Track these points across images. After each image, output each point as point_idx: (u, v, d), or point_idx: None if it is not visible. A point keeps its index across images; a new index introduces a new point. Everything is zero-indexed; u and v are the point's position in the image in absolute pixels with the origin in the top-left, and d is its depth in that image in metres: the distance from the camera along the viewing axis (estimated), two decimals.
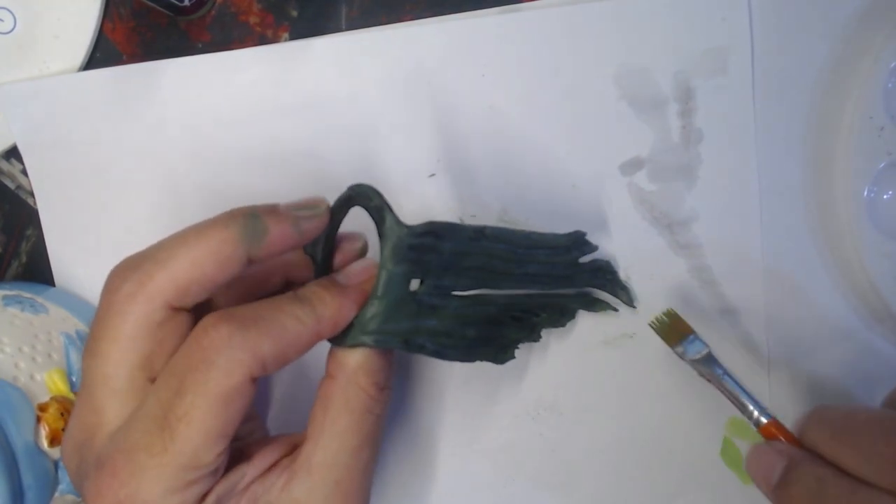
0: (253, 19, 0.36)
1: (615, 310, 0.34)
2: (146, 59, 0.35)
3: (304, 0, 0.35)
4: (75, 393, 0.32)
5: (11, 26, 0.35)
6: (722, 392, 0.30)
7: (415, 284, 0.27)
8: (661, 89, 0.33)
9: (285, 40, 0.35)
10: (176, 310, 0.24)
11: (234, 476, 0.25)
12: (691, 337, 0.31)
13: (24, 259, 0.38)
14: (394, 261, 0.26)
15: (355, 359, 0.26)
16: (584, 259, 0.33)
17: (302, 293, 0.26)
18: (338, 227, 0.28)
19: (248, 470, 0.26)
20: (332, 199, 0.28)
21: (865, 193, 0.32)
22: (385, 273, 0.26)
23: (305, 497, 0.25)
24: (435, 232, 0.27)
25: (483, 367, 0.32)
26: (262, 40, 0.36)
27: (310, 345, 0.25)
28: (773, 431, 0.28)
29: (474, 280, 0.29)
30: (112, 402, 0.24)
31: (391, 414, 0.36)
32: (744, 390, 0.29)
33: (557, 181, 0.34)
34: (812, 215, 0.34)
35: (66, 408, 0.31)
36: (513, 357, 0.31)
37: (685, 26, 0.33)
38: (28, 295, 0.34)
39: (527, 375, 0.34)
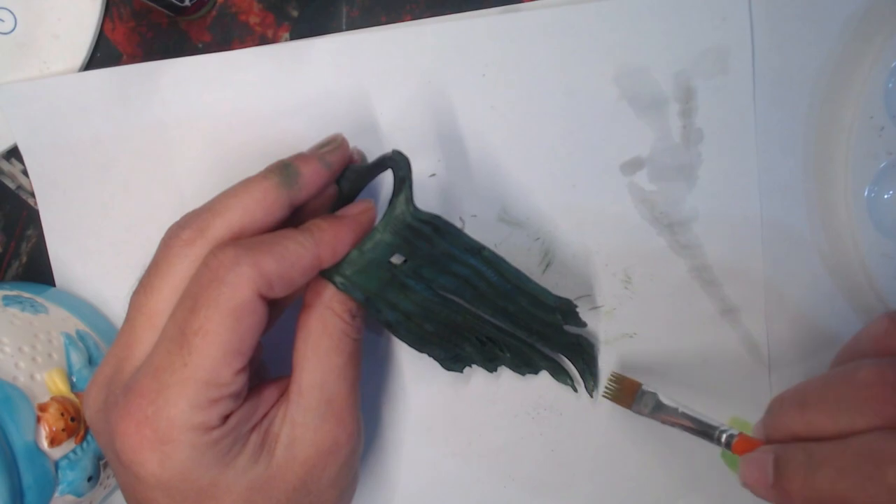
0: (253, 19, 0.36)
1: (575, 389, 0.34)
2: (146, 59, 0.35)
3: (304, 0, 0.35)
4: (76, 393, 0.32)
5: (11, 26, 0.35)
6: (686, 430, 0.30)
7: (399, 260, 0.29)
8: (661, 89, 0.33)
9: (285, 40, 0.35)
10: None
11: (251, 405, 0.27)
12: (641, 391, 0.31)
13: (24, 259, 0.38)
14: (387, 230, 0.28)
15: (331, 287, 0.28)
16: (571, 329, 0.33)
17: (303, 225, 0.28)
18: (369, 179, 0.30)
19: (261, 404, 0.27)
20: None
21: (865, 193, 0.32)
22: (377, 235, 0.28)
23: (302, 418, 0.27)
24: (437, 226, 0.29)
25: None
26: (263, 40, 0.36)
27: (312, 268, 0.27)
28: (746, 444, 0.28)
29: (453, 286, 0.30)
30: (149, 338, 0.26)
31: (391, 414, 0.36)
32: (700, 419, 0.29)
33: (557, 181, 0.34)
34: (812, 215, 0.34)
35: (66, 408, 0.31)
36: (460, 371, 0.32)
37: (685, 26, 0.33)
38: (28, 295, 0.34)
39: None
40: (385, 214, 0.28)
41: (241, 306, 0.25)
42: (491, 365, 0.32)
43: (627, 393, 0.31)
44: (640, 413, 0.31)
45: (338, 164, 0.29)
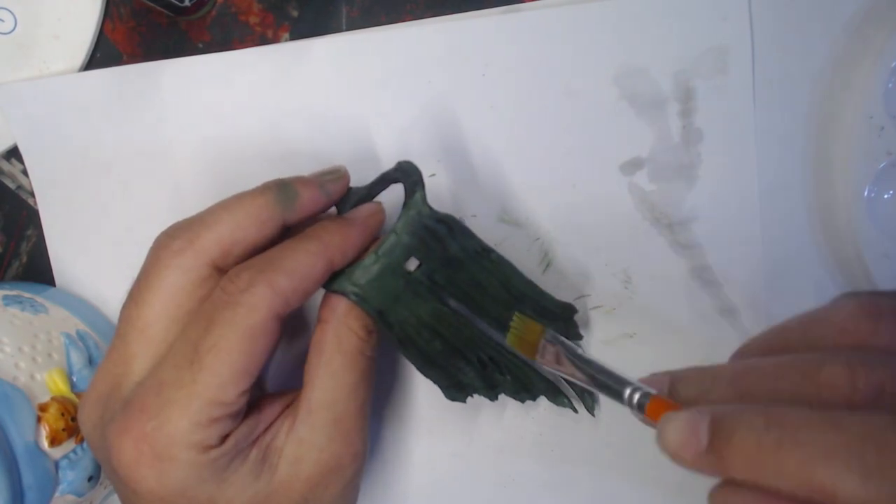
0: (253, 19, 0.36)
1: (575, 410, 0.34)
2: (146, 59, 0.35)
3: (304, 0, 0.35)
4: (76, 393, 0.32)
5: (11, 26, 0.35)
6: (595, 386, 0.26)
7: (412, 266, 0.28)
8: (661, 89, 0.33)
9: (285, 40, 0.35)
10: (218, 270, 0.26)
11: (251, 423, 0.26)
12: (545, 338, 0.28)
13: (24, 259, 0.38)
14: (406, 230, 0.28)
15: (346, 303, 0.28)
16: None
17: (309, 230, 0.28)
18: (369, 199, 0.30)
19: (261, 420, 0.27)
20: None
21: (865, 193, 0.32)
22: (393, 237, 0.28)
23: (309, 436, 0.27)
24: (451, 226, 0.29)
25: None
26: (263, 40, 0.36)
27: (324, 272, 0.27)
28: (663, 407, 0.23)
29: (462, 291, 0.30)
30: (144, 352, 0.26)
31: (391, 414, 0.36)
32: (609, 371, 0.25)
33: (557, 181, 0.34)
34: (812, 215, 0.34)
35: (66, 408, 0.31)
36: (462, 401, 0.31)
37: (685, 26, 0.33)
38: (28, 295, 0.34)
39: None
40: (401, 217, 0.28)
41: (257, 326, 0.25)
42: (492, 393, 0.31)
43: (530, 338, 0.28)
44: (542, 364, 0.28)
45: (336, 194, 0.29)
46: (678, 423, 0.21)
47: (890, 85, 0.31)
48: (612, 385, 0.25)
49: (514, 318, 0.29)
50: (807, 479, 0.18)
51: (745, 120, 0.33)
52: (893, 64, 0.31)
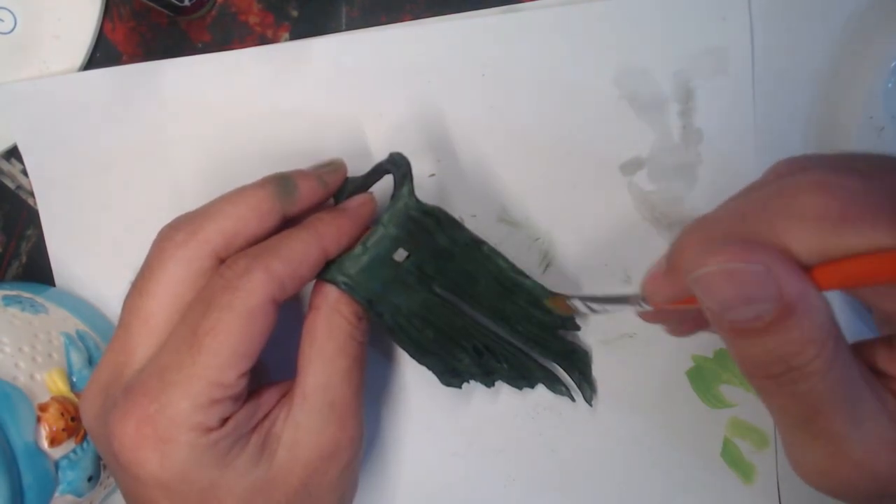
0: (253, 19, 0.36)
1: (573, 399, 0.34)
2: (146, 59, 0.35)
3: (304, 0, 0.35)
4: (76, 393, 0.32)
5: (11, 26, 0.35)
6: (615, 306, 0.28)
7: (401, 257, 0.29)
8: (661, 89, 0.33)
9: (285, 40, 0.35)
10: (220, 261, 0.27)
11: (250, 408, 0.27)
12: (568, 300, 0.30)
13: (24, 259, 0.38)
14: (392, 222, 0.28)
15: (337, 290, 0.28)
16: (566, 335, 0.33)
17: (305, 221, 0.28)
18: (364, 189, 0.31)
19: (261, 407, 0.27)
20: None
21: None
22: (381, 229, 0.28)
23: (305, 420, 0.27)
24: (439, 219, 0.29)
25: None
26: (262, 40, 0.36)
27: (318, 259, 0.27)
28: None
29: (453, 282, 0.30)
30: (146, 341, 0.26)
31: (391, 414, 0.36)
32: (619, 296, 0.28)
33: (557, 181, 0.34)
34: None
35: (66, 408, 0.31)
36: (458, 387, 0.31)
37: (685, 26, 0.33)
38: (28, 295, 0.34)
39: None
40: (388, 209, 0.28)
41: (255, 309, 0.25)
42: (488, 379, 0.32)
43: (562, 308, 0.31)
44: (582, 311, 0.30)
45: (334, 185, 0.30)
46: (649, 273, 0.24)
47: (890, 85, 0.31)
48: (620, 300, 0.27)
49: (547, 300, 0.31)
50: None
51: (745, 120, 0.33)
52: (893, 64, 0.31)
